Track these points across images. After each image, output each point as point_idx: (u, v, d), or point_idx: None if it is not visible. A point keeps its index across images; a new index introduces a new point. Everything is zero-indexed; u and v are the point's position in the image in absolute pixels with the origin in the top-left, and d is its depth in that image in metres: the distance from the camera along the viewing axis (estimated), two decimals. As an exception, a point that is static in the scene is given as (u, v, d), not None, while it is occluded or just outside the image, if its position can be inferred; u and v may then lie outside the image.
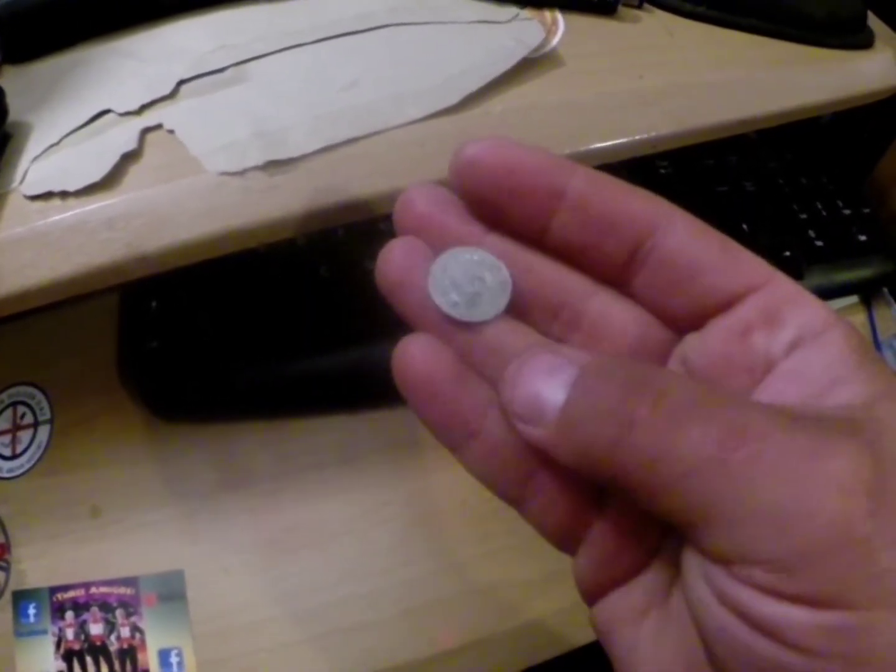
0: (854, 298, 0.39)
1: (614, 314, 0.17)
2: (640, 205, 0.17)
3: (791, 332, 0.15)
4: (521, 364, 0.16)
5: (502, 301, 0.17)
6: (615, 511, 0.17)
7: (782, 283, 0.16)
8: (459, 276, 0.17)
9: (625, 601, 0.17)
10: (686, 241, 0.16)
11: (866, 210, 0.39)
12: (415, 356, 0.17)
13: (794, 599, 0.12)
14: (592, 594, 0.18)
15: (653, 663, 0.16)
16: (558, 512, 0.17)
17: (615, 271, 0.17)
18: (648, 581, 0.17)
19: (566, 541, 0.18)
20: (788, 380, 0.15)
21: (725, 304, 0.16)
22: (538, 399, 0.15)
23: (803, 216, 0.38)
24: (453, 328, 0.17)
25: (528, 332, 0.18)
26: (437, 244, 0.18)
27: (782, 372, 0.15)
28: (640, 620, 0.17)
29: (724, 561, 0.13)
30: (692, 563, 0.14)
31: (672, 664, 0.16)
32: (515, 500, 0.17)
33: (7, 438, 0.31)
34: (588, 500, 0.17)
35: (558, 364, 0.15)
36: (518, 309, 0.18)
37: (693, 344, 0.17)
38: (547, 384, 0.15)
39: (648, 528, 0.17)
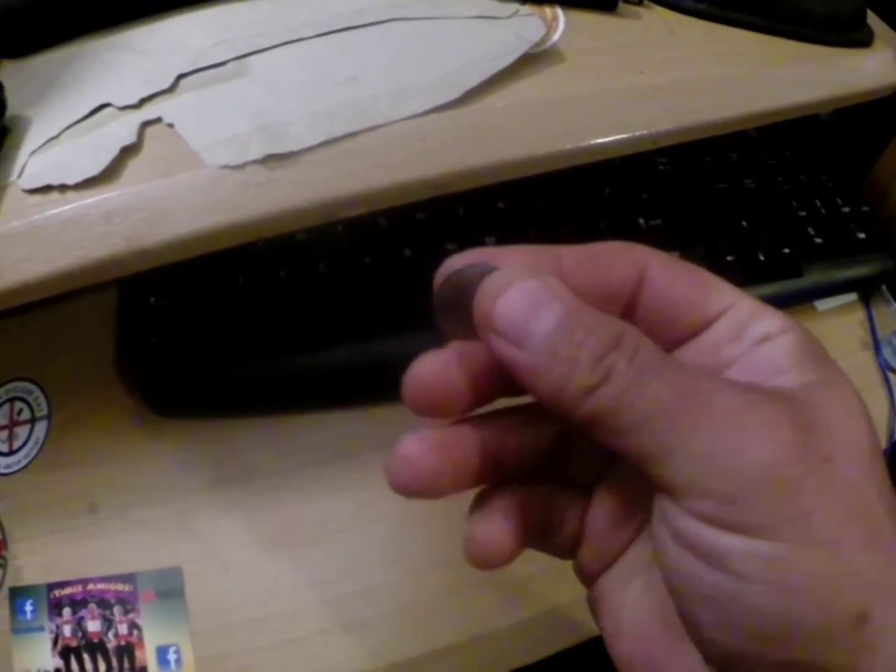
0: (853, 296, 0.39)
1: None
2: (617, 258, 0.18)
3: (752, 338, 0.17)
4: (507, 281, 0.16)
5: None
6: (605, 505, 0.19)
7: (747, 303, 0.18)
8: None
9: (614, 574, 0.19)
10: (662, 283, 0.18)
11: (865, 208, 0.39)
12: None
13: (732, 528, 0.14)
14: (591, 577, 0.20)
15: (634, 624, 0.18)
16: (569, 531, 0.19)
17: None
18: (634, 554, 0.19)
19: (566, 550, 0.20)
20: (741, 369, 0.17)
21: (699, 330, 0.18)
22: (525, 323, 0.16)
23: (802, 214, 0.38)
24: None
25: None
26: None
27: (737, 364, 0.17)
28: (626, 587, 0.19)
29: (677, 494, 0.15)
30: (657, 508, 0.16)
31: (650, 623, 0.18)
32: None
33: (4, 434, 0.31)
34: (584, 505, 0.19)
35: (546, 298, 0.16)
36: None
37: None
38: (534, 314, 0.16)
39: (634, 511, 0.19)
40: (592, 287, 0.18)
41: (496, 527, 0.18)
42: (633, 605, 0.18)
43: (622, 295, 0.18)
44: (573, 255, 0.18)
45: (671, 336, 0.18)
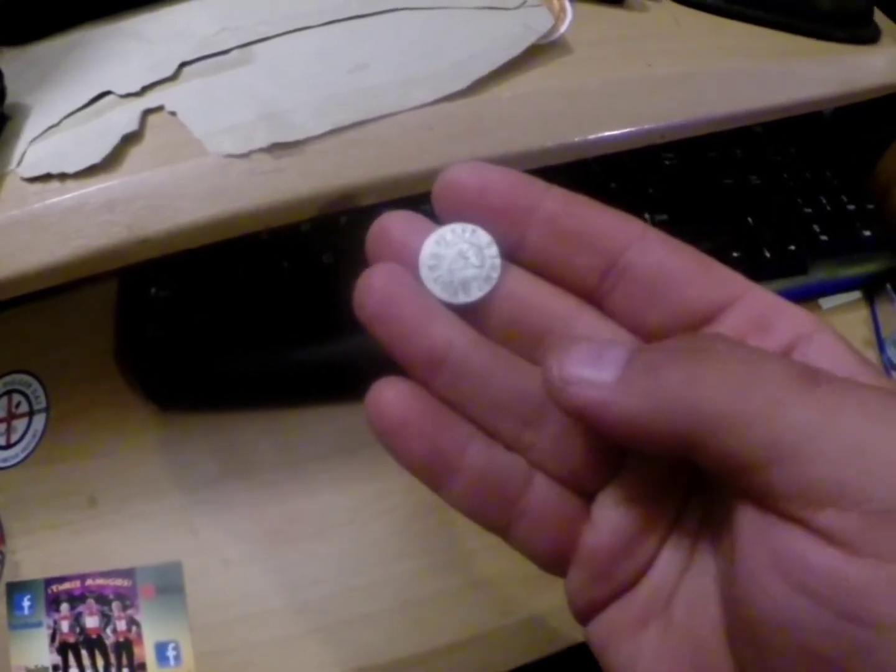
0: (857, 294, 0.39)
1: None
2: (611, 221, 0.17)
3: (785, 336, 0.16)
4: (561, 354, 0.15)
5: (491, 280, 0.17)
6: (607, 523, 0.17)
7: (762, 294, 0.16)
8: (449, 259, 0.17)
9: (621, 615, 0.17)
10: (662, 256, 0.17)
11: (870, 206, 0.39)
12: (389, 402, 0.17)
13: (867, 552, 0.11)
14: (586, 612, 0.17)
15: None
16: (547, 530, 0.17)
17: (590, 287, 0.17)
18: (646, 591, 0.17)
19: (556, 561, 0.18)
20: None
21: (708, 317, 0.16)
22: (598, 356, 0.15)
23: (808, 210, 0.38)
24: (438, 362, 0.17)
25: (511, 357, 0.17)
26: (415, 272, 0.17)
27: None
28: (640, 632, 0.16)
29: (791, 502, 0.12)
30: (745, 525, 0.14)
31: None
32: (502, 526, 0.17)
33: (2, 427, 0.31)
34: (577, 514, 0.17)
35: (602, 350, 0.15)
36: (501, 335, 0.17)
37: None
38: (595, 368, 0.15)
39: (644, 537, 0.17)
40: (568, 235, 0.17)
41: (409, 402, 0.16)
42: (652, 656, 0.16)
43: (600, 255, 0.17)
44: (560, 197, 0.17)
45: (665, 321, 0.17)
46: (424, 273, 0.17)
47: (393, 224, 0.18)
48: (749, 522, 0.14)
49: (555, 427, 0.17)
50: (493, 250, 0.17)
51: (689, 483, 0.17)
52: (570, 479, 0.17)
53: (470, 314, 0.17)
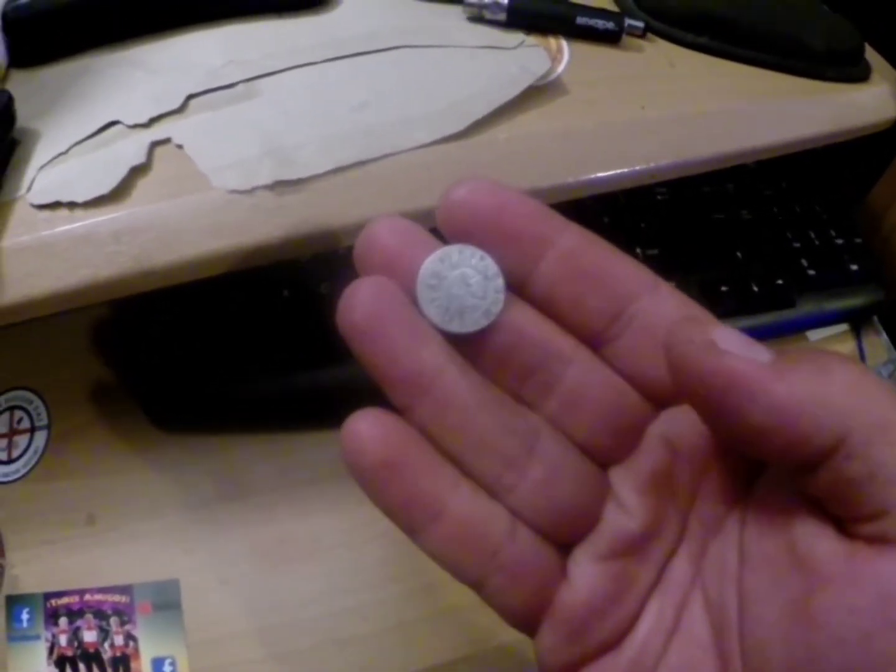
0: (844, 326, 0.40)
1: (591, 384, 0.17)
2: (626, 268, 0.17)
3: None
4: (708, 325, 0.15)
5: (490, 315, 0.16)
6: (584, 578, 0.16)
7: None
8: (450, 282, 0.16)
9: None
10: (670, 310, 0.16)
11: (858, 240, 0.40)
12: (367, 438, 0.16)
13: None
14: None
15: None
16: (523, 586, 0.16)
17: (595, 330, 0.17)
18: (629, 654, 0.16)
19: (529, 618, 0.17)
20: None
21: None
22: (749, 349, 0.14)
23: (797, 245, 0.39)
24: (424, 389, 0.16)
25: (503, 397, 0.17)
26: (408, 284, 0.16)
27: None
28: None
29: None
30: (827, 557, 0.13)
31: None
32: (477, 580, 0.17)
33: (3, 443, 0.31)
34: (553, 573, 0.17)
35: (749, 339, 0.15)
36: (490, 366, 0.17)
37: (675, 421, 0.17)
38: (749, 348, 0.14)
39: (624, 595, 0.16)
40: (584, 274, 0.16)
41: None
42: None
43: (612, 300, 0.16)
44: (580, 235, 0.16)
45: (664, 371, 0.16)
46: (422, 290, 0.16)
47: (384, 233, 0.16)
48: (838, 556, 0.13)
49: (537, 472, 0.16)
50: (499, 283, 0.16)
51: (676, 533, 0.17)
52: (549, 529, 0.17)
53: (460, 341, 0.16)
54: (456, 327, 0.16)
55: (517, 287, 0.17)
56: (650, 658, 0.16)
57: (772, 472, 0.16)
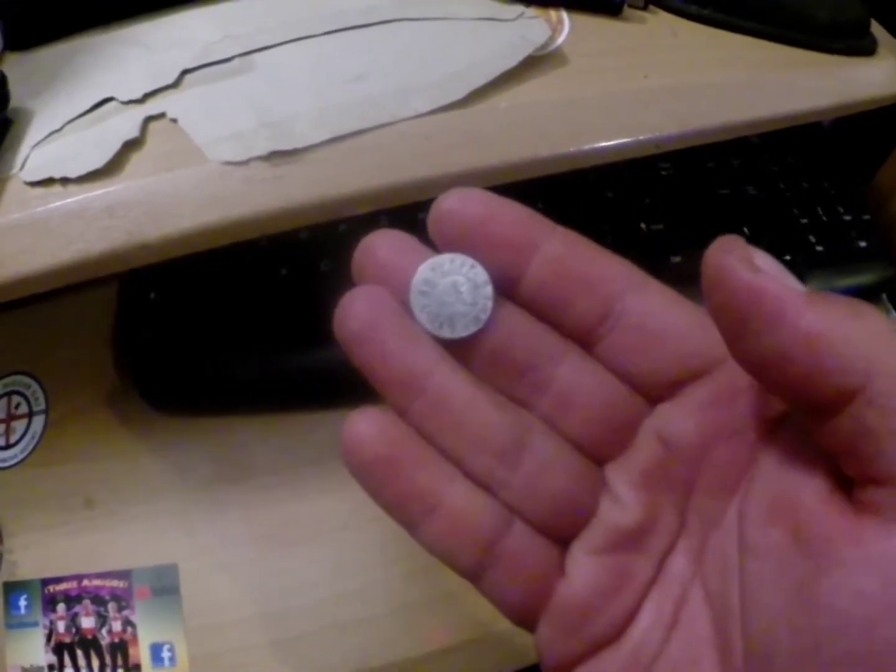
0: (852, 304, 0.39)
1: (583, 383, 0.17)
2: (614, 268, 0.17)
3: None
4: (745, 247, 0.14)
5: (479, 321, 0.17)
6: (581, 573, 0.16)
7: None
8: (441, 289, 0.17)
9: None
10: (660, 306, 0.17)
11: (866, 216, 0.39)
12: (366, 436, 0.16)
13: None
14: (559, 669, 0.17)
15: None
16: (520, 579, 0.17)
17: (585, 329, 0.17)
18: (627, 648, 0.16)
19: (527, 613, 0.17)
20: None
21: (700, 371, 0.16)
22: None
23: (804, 221, 0.38)
24: (418, 389, 0.16)
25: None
26: (403, 293, 0.17)
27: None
28: None
29: None
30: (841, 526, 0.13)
31: None
32: (474, 572, 0.17)
33: (1, 428, 0.31)
34: (550, 567, 0.17)
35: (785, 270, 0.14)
36: (481, 367, 0.17)
37: (669, 417, 0.17)
38: (784, 275, 0.14)
39: (621, 589, 0.16)
40: (571, 276, 0.16)
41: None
42: None
43: (600, 299, 0.17)
44: (565, 238, 0.17)
45: (656, 372, 0.17)
46: (414, 298, 0.17)
47: (380, 245, 0.17)
48: (844, 536, 0.13)
49: (530, 465, 0.17)
50: (488, 291, 0.17)
51: (674, 528, 0.17)
52: (544, 523, 0.17)
53: (452, 346, 0.17)
54: (447, 333, 0.17)
55: (508, 291, 0.17)
56: (650, 652, 0.16)
57: (772, 460, 0.16)
